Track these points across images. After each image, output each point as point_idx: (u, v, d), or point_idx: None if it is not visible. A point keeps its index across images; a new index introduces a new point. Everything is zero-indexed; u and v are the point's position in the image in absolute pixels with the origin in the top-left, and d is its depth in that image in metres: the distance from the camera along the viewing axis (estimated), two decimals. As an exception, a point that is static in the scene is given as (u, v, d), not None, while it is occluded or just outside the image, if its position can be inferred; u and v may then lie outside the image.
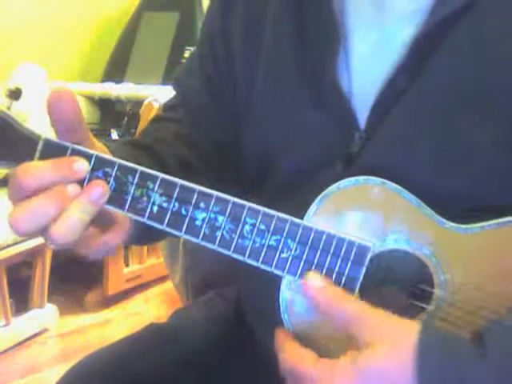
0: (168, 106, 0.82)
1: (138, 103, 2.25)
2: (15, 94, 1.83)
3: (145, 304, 2.35)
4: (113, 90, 2.46)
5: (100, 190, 0.53)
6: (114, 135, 2.35)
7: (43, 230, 0.52)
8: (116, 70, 2.79)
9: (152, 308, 2.33)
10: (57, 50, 2.75)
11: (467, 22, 0.55)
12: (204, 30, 0.78)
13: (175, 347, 0.74)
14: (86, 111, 2.54)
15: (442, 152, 0.55)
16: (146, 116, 1.99)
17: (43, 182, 0.52)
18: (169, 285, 2.30)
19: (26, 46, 2.59)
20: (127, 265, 2.33)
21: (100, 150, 0.58)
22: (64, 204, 0.52)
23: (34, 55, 2.49)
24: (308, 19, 0.64)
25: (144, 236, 0.62)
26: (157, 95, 2.02)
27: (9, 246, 1.85)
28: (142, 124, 2.01)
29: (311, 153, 0.63)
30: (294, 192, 0.63)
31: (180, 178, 0.55)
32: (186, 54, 2.57)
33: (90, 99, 2.54)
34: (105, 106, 2.57)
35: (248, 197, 0.56)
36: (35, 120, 2.06)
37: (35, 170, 0.52)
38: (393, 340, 0.50)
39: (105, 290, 2.26)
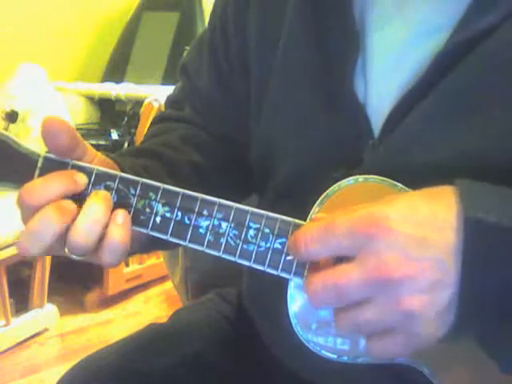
0: (172, 101, 0.81)
1: (138, 103, 2.25)
2: (11, 117, 1.84)
3: (145, 304, 2.35)
4: (113, 89, 2.46)
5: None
6: (114, 135, 2.35)
7: (59, 243, 0.53)
8: (116, 70, 2.79)
9: (152, 308, 2.33)
10: (57, 50, 2.75)
11: (489, 43, 0.55)
12: (216, 15, 0.76)
13: (175, 347, 0.74)
14: (86, 111, 2.54)
15: (446, 161, 0.56)
16: (146, 116, 1.99)
17: (48, 198, 0.53)
18: (169, 285, 2.30)
19: (26, 45, 2.59)
20: (127, 265, 2.33)
21: (101, 161, 0.58)
22: (72, 214, 0.53)
23: (34, 55, 2.49)
24: (326, 23, 0.63)
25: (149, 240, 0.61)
26: (157, 95, 2.02)
27: (9, 245, 1.85)
28: (142, 124, 2.01)
29: (316, 156, 0.63)
30: (293, 194, 0.63)
31: (194, 183, 0.56)
32: (186, 54, 2.56)
33: (90, 99, 2.54)
34: (105, 106, 2.57)
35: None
36: (36, 120, 2.06)
37: (38, 188, 0.53)
38: (431, 193, 0.49)
39: (105, 290, 2.26)
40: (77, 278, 2.35)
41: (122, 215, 0.54)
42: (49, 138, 0.54)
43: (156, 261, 2.38)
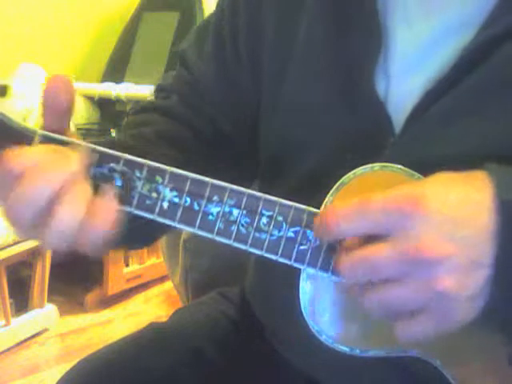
0: (160, 89, 0.77)
1: (138, 103, 2.25)
2: (1, 91, 1.80)
3: (145, 304, 2.35)
4: (113, 90, 2.46)
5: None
6: (114, 135, 2.35)
7: (41, 223, 0.49)
8: (116, 70, 2.79)
9: (152, 308, 2.33)
10: (57, 49, 2.74)
11: None
12: (224, 2, 0.73)
13: (176, 347, 0.74)
14: (86, 111, 2.54)
15: (467, 156, 0.55)
16: (146, 116, 1.99)
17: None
18: (169, 285, 2.30)
19: (26, 45, 2.59)
20: (127, 265, 2.33)
21: None
22: (60, 183, 0.48)
23: (34, 55, 2.49)
24: (348, 20, 0.62)
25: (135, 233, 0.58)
26: (157, 95, 2.01)
27: (9, 245, 1.85)
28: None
29: (336, 153, 0.62)
30: (310, 190, 0.61)
31: None
32: (186, 54, 2.56)
33: (90, 99, 2.54)
34: (105, 105, 2.56)
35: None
36: (36, 120, 2.06)
37: (31, 154, 0.49)
38: (464, 176, 0.49)
39: (105, 290, 2.26)
40: (77, 278, 2.35)
41: (108, 209, 0.50)
42: (52, 93, 0.51)
43: (156, 261, 2.38)
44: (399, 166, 0.54)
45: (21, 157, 0.49)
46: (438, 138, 0.57)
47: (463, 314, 0.48)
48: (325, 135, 0.63)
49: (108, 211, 0.50)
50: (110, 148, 0.59)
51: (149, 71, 2.68)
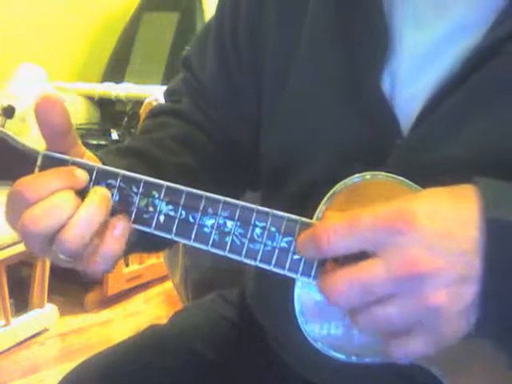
0: (170, 92, 0.78)
1: (138, 103, 2.25)
2: (8, 112, 1.81)
3: (145, 304, 2.35)
4: (113, 90, 2.46)
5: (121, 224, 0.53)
6: (114, 135, 2.35)
7: (51, 238, 0.52)
8: (116, 70, 2.79)
9: (152, 308, 2.33)
10: (57, 50, 2.75)
11: None
12: (225, 6, 0.72)
13: (176, 349, 0.74)
14: (86, 111, 2.54)
15: (473, 157, 0.55)
16: (146, 116, 1.99)
17: (47, 193, 0.51)
18: (169, 285, 2.30)
19: (26, 46, 2.59)
20: (127, 265, 2.33)
21: (89, 159, 0.57)
22: (75, 207, 0.51)
23: (34, 55, 2.49)
24: (353, 21, 0.61)
25: (143, 243, 0.60)
26: (157, 95, 2.02)
27: (9, 245, 1.85)
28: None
29: (343, 158, 0.61)
30: (316, 197, 0.59)
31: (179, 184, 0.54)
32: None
33: (90, 99, 2.54)
34: (105, 106, 2.57)
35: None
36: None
37: (37, 181, 0.52)
38: (453, 190, 0.49)
39: (105, 290, 2.26)
40: (77, 278, 2.34)
41: (120, 227, 0.53)
42: (42, 115, 0.52)
43: (156, 261, 2.38)
44: (390, 174, 0.54)
45: (32, 186, 0.51)
46: (446, 139, 0.57)
47: (455, 330, 0.48)
48: (329, 137, 0.62)
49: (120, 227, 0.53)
50: (125, 154, 0.64)
51: (149, 71, 2.69)
